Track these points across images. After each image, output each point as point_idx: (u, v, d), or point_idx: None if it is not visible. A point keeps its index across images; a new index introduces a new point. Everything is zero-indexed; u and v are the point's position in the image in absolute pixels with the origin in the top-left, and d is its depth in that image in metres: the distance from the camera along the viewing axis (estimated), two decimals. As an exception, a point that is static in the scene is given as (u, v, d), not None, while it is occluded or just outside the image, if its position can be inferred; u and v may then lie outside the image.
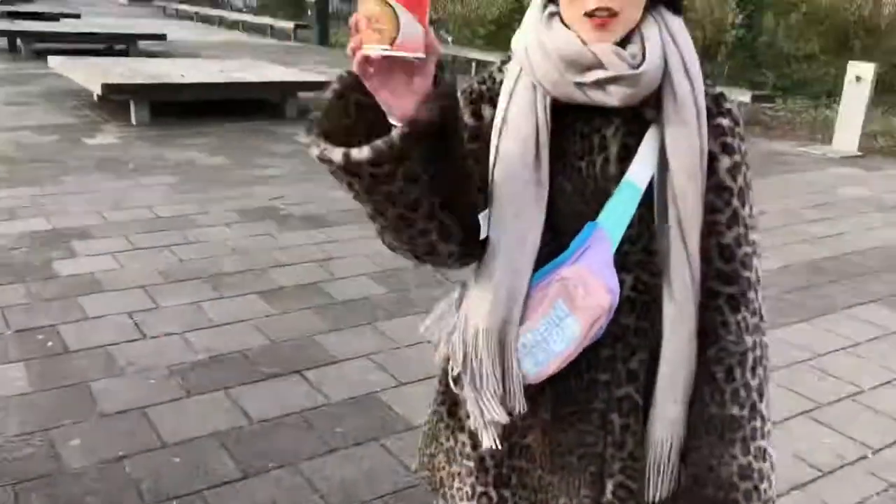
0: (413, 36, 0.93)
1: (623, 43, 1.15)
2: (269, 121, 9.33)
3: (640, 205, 1.18)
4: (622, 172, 1.18)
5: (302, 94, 9.91)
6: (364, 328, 3.95)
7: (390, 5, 0.91)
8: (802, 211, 6.67)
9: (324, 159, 1.00)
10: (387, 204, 1.04)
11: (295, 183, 6.61)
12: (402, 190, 1.02)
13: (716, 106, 1.21)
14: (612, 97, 1.14)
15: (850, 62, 9.68)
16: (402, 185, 1.01)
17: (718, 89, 1.23)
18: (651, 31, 1.16)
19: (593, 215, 1.19)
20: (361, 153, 0.98)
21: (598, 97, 1.14)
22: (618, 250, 1.18)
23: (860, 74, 9.17)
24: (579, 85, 1.14)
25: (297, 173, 6.91)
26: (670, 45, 1.16)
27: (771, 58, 14.30)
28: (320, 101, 1.05)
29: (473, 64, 15.90)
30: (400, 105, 0.99)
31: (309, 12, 21.31)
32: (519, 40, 1.22)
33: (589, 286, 1.15)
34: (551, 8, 1.20)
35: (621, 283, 1.18)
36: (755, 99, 11.02)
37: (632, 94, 1.14)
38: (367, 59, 0.95)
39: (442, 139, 1.02)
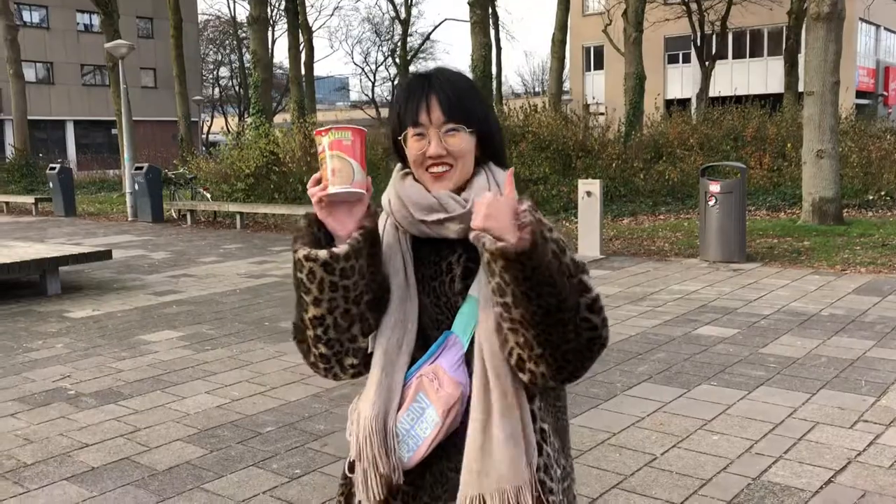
0: (362, 179, 1.47)
1: (459, 191, 1.52)
2: (30, 300, 8.75)
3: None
4: (467, 288, 1.50)
5: (64, 269, 9.43)
6: (192, 493, 3.84)
7: (348, 161, 1.45)
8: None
9: (310, 258, 1.44)
10: (341, 299, 1.46)
11: (76, 360, 6.26)
12: (356, 284, 1.46)
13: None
14: (451, 231, 1.50)
15: (580, 180, 11.10)
16: (356, 278, 1.46)
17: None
18: (480, 180, 1.54)
19: (449, 323, 1.52)
20: (342, 248, 1.45)
21: (441, 232, 1.51)
22: (469, 350, 1.49)
23: (590, 190, 10.55)
24: (426, 223, 1.51)
25: (78, 350, 6.56)
26: (495, 188, 1.52)
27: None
28: (296, 226, 1.61)
29: (238, 216, 15.99)
30: (344, 226, 1.48)
31: (50, 184, 20.31)
32: (385, 195, 1.61)
33: (442, 381, 1.47)
34: (406, 170, 1.60)
35: (472, 376, 1.48)
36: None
37: (465, 228, 1.45)
38: (320, 200, 1.46)
39: (376, 245, 1.50)
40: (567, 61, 40.63)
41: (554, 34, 25.26)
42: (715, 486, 3.75)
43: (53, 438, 4.59)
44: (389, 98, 44.28)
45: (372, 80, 49.32)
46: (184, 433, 4.61)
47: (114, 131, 37.43)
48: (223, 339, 6.87)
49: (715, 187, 9.81)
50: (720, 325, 6.81)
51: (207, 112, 52.98)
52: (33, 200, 20.92)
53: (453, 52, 71.66)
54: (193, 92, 41.98)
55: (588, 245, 10.62)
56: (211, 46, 55.79)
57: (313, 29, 37.41)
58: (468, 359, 1.48)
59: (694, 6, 30.78)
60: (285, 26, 33.27)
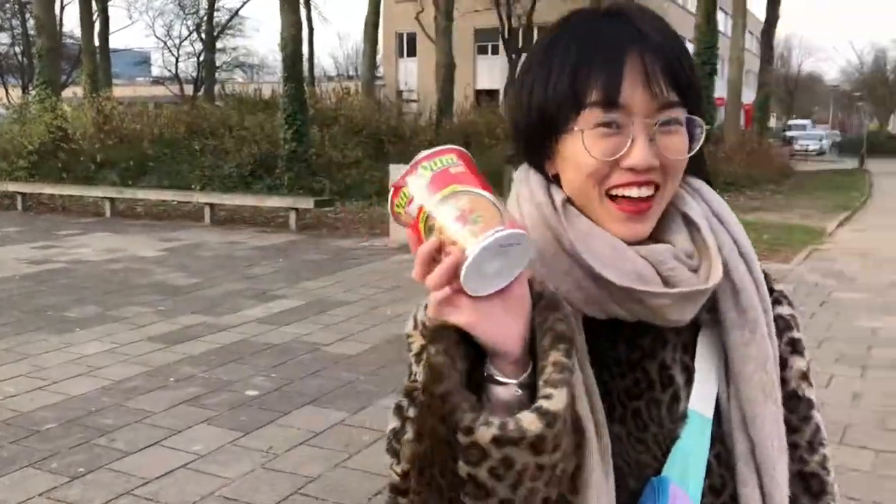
0: (509, 216, 0.75)
1: (662, 232, 0.88)
2: None
3: (714, 439, 0.88)
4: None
5: None
6: (-48, 502, 3.42)
7: (479, 193, 0.75)
8: (378, 296, 7.46)
9: (508, 439, 0.69)
10: (543, 485, 0.73)
11: None
12: (565, 452, 0.74)
13: (769, 291, 0.93)
14: (677, 316, 0.84)
15: (391, 165, 11.13)
16: (566, 440, 0.74)
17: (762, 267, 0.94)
18: (694, 210, 0.88)
19: (656, 464, 0.87)
20: (558, 395, 0.71)
21: (663, 316, 0.83)
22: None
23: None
24: (636, 297, 0.82)
25: None
26: (714, 221, 0.89)
27: (322, 166, 15.72)
28: (429, 368, 0.74)
29: (19, 197, 14.61)
30: (508, 329, 0.75)
31: None
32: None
33: None
34: (561, 193, 0.87)
35: None
36: (317, 204, 12.04)
37: (699, 306, 0.85)
38: (453, 291, 0.73)
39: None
40: (380, 47, 40.76)
41: (367, 18, 25.19)
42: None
43: None
44: (195, 74, 42.02)
45: (175, 55, 46.76)
46: (-55, 436, 4.11)
47: None
48: (-2, 330, 6.22)
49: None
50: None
51: (-16, 82, 48.04)
52: None
53: (264, 29, 69.30)
54: (-32, 59, 37.70)
55: (399, 229, 10.62)
56: (-12, 8, 50.48)
57: (109, -4, 34.82)
58: None
59: None
60: (77, -8, 30.72)
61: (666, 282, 0.83)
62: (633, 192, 0.82)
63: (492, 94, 33.57)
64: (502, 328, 0.74)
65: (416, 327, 0.89)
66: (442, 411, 0.72)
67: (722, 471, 0.87)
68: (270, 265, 9.10)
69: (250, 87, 24.98)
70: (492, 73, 38.95)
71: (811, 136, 43.51)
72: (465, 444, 0.71)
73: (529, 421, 0.70)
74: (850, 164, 32.37)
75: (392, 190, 0.78)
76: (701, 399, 0.88)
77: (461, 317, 0.73)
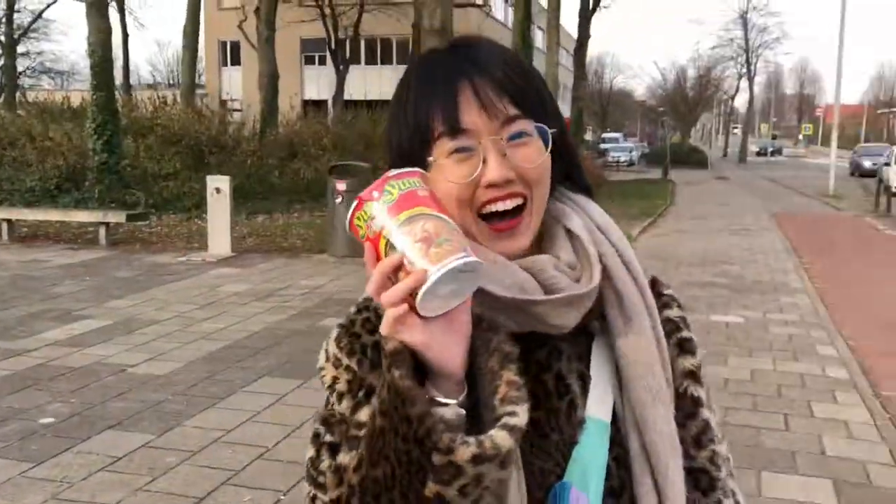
0: (467, 242, 0.77)
1: (532, 247, 0.91)
2: None
3: (613, 443, 0.91)
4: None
5: None
6: None
7: (442, 218, 0.77)
8: (194, 312, 7.22)
9: (486, 457, 0.72)
10: (494, 500, 0.78)
11: None
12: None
13: (656, 295, 0.97)
14: (563, 322, 0.88)
15: (209, 176, 10.81)
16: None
17: (649, 273, 0.99)
18: (576, 223, 0.93)
19: (558, 471, 0.89)
20: (521, 411, 0.75)
21: (547, 323, 0.88)
22: None
23: (219, 186, 10.33)
24: (526, 308, 0.87)
25: None
26: (595, 232, 0.94)
27: (137, 178, 14.98)
28: (398, 391, 0.74)
29: None
30: (452, 353, 0.77)
31: None
32: None
33: None
34: None
35: None
36: (130, 218, 11.44)
37: (582, 313, 0.89)
38: (409, 310, 0.75)
39: None
40: (202, 54, 39.39)
41: (185, 26, 24.30)
42: (323, 470, 3.90)
43: None
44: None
45: (-29, 59, 42.85)
46: None
47: None
48: None
49: (342, 185, 10.23)
50: (342, 317, 7.09)
51: None
52: None
53: (73, 34, 64.82)
54: None
55: (219, 243, 10.39)
56: None
57: None
58: None
59: (328, 10, 31.77)
60: None
61: (547, 290, 0.86)
62: (500, 207, 0.86)
63: (319, 104, 33.37)
64: (448, 349, 0.77)
65: (328, 360, 0.90)
66: (417, 433, 0.73)
67: (621, 472, 0.90)
68: (76, 284, 8.56)
69: (58, 95, 23.34)
70: (320, 83, 38.72)
71: (622, 148, 46.57)
72: (441, 463, 0.72)
73: (502, 438, 0.73)
74: (655, 174, 34.94)
75: (356, 202, 0.79)
76: (598, 404, 0.91)
77: (415, 336, 0.75)
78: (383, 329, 0.76)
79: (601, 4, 29.21)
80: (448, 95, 0.86)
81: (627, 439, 0.90)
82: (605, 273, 0.90)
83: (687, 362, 0.95)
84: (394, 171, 0.79)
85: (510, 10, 26.93)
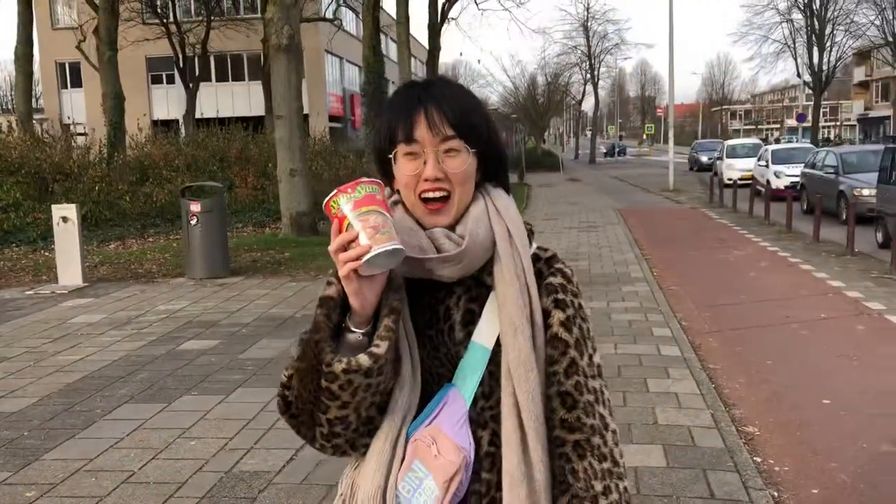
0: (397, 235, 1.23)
1: (455, 223, 1.32)
2: None
3: (491, 362, 1.30)
4: (470, 335, 1.32)
5: None
6: None
7: (387, 216, 1.22)
8: (45, 346, 6.99)
9: (351, 370, 1.21)
10: (370, 395, 1.25)
11: None
12: (387, 374, 1.26)
13: (547, 267, 1.35)
14: (445, 274, 1.30)
15: (54, 206, 10.38)
16: (388, 367, 1.25)
17: (550, 252, 1.38)
18: (478, 208, 1.33)
19: (449, 375, 1.32)
20: (382, 347, 1.22)
21: (434, 274, 1.30)
22: (473, 407, 1.30)
23: (66, 215, 9.95)
24: (417, 263, 1.29)
25: None
26: (496, 217, 1.33)
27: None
28: (314, 323, 1.26)
29: None
30: (368, 303, 1.24)
31: None
32: None
33: (441, 445, 1.26)
34: (395, 196, 1.37)
35: (479, 439, 1.29)
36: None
37: (462, 268, 1.30)
38: (353, 269, 1.19)
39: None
40: (39, 77, 37.23)
41: (17, 47, 22.97)
42: (191, 487, 3.98)
43: None
44: None
45: None
46: None
47: None
48: None
49: (196, 206, 10.11)
50: (203, 339, 7.10)
51: None
52: None
53: None
54: None
55: (69, 274, 10.00)
56: None
57: None
58: (472, 417, 1.30)
59: (174, 28, 30.91)
60: None
61: (439, 252, 1.29)
62: (430, 195, 1.30)
63: (170, 124, 32.34)
64: (366, 298, 1.23)
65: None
66: (315, 350, 1.23)
67: (492, 382, 1.30)
68: (-89, 327, 8.04)
69: None
70: (169, 102, 37.51)
71: (480, 154, 47.48)
72: (326, 371, 1.22)
73: (364, 360, 1.21)
74: (512, 178, 36.12)
75: (334, 192, 1.22)
76: (483, 334, 1.31)
77: (350, 286, 1.22)
78: (340, 274, 1.21)
79: (449, 17, 29.95)
80: (409, 116, 1.30)
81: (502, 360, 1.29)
82: (493, 241, 1.31)
83: (559, 315, 1.31)
84: (365, 179, 1.24)
85: (362, 24, 27.18)
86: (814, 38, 41.99)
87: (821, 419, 5.05)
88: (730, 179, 23.59)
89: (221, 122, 22.99)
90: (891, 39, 39.96)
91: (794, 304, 8.40)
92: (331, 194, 1.23)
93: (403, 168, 1.31)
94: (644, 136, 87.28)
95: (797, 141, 40.28)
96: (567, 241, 13.69)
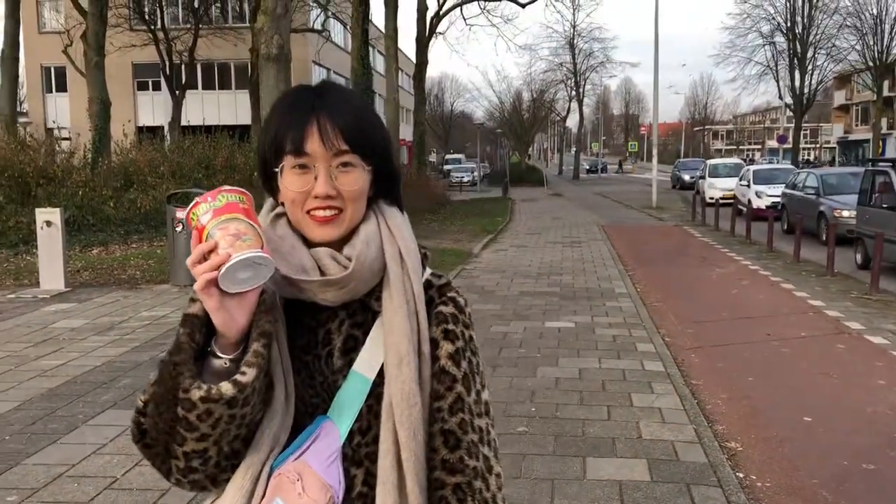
0: (264, 244, 1.10)
1: (343, 241, 1.20)
2: None
3: (371, 395, 1.18)
4: (350, 364, 1.19)
5: None
6: None
7: (253, 225, 1.09)
8: (27, 350, 6.93)
9: (211, 399, 1.06)
10: (234, 427, 1.11)
11: None
12: (254, 406, 1.11)
13: (439, 295, 1.24)
14: (329, 297, 1.17)
15: (38, 210, 10.30)
16: (255, 399, 1.11)
17: (444, 279, 1.26)
18: (369, 228, 1.21)
19: (324, 406, 1.19)
20: (249, 375, 1.07)
21: (318, 297, 1.17)
22: (349, 442, 1.17)
23: (49, 219, 9.88)
24: (297, 284, 1.16)
25: None
26: (388, 238, 1.21)
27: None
28: (174, 344, 1.11)
29: None
30: (235, 322, 1.09)
31: None
32: None
33: (307, 482, 1.12)
34: (278, 209, 1.24)
35: (352, 477, 1.17)
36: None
37: (347, 293, 1.17)
38: (211, 281, 1.05)
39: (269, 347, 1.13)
40: (24, 81, 36.96)
41: (3, 50, 22.82)
42: (174, 494, 3.95)
43: None
44: None
45: None
46: None
47: None
48: None
49: (181, 213, 10.06)
50: (188, 345, 7.04)
51: None
52: None
53: None
54: None
55: (52, 278, 9.93)
56: None
57: None
58: (346, 453, 1.18)
59: (161, 35, 30.84)
60: None
61: (322, 274, 1.16)
62: (321, 214, 1.16)
63: (155, 130, 32.21)
64: (231, 319, 1.08)
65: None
66: (174, 373, 1.09)
67: (370, 417, 1.17)
68: None
69: None
70: (155, 109, 37.38)
71: (464, 168, 48.04)
72: (182, 397, 1.08)
73: (227, 388, 1.06)
74: (496, 192, 36.31)
75: (194, 202, 1.11)
76: (365, 364, 1.18)
77: (209, 302, 1.07)
78: (196, 287, 1.07)
79: (437, 31, 30.13)
80: (299, 125, 1.16)
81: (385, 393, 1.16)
82: (384, 264, 1.19)
83: (448, 347, 1.20)
84: (227, 187, 1.13)
85: (350, 36, 27.27)
86: (796, 61, 42.68)
87: (801, 436, 5.11)
88: (712, 198, 23.77)
89: (207, 129, 22.91)
90: (871, 64, 40.64)
91: (775, 322, 8.50)
92: (191, 204, 1.11)
93: (291, 183, 1.17)
94: (627, 154, 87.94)
95: (778, 162, 40.82)
96: (551, 256, 13.77)
